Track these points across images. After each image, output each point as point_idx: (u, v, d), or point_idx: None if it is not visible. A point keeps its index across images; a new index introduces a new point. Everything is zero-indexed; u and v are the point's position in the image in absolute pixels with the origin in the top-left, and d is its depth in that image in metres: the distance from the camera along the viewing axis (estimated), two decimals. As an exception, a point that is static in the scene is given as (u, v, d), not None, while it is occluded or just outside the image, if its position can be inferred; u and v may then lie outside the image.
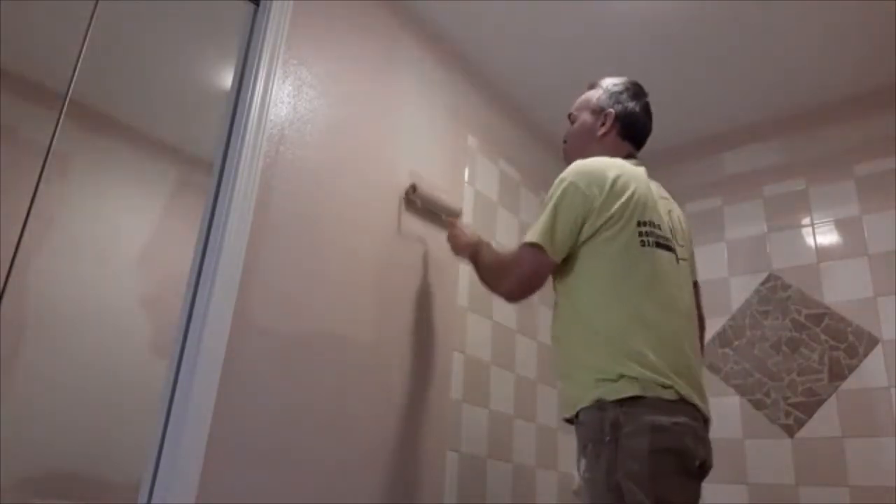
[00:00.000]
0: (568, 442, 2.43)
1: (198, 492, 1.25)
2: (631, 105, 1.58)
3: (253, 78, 1.58)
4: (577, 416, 1.29)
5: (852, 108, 2.40)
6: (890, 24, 2.04)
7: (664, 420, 1.18)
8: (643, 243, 1.34)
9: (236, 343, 1.39)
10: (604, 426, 1.18)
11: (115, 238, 2.51)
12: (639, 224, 1.35)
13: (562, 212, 1.36)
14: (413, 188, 1.91)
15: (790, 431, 2.18)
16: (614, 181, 1.37)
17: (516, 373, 2.26)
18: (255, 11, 1.67)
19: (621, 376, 1.21)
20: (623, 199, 1.35)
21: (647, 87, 1.63)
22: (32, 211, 1.56)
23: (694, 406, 1.25)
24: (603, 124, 1.56)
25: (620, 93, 1.59)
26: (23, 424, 2.09)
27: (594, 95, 1.62)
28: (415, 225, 1.96)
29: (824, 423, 2.13)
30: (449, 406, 1.94)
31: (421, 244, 1.96)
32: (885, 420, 2.03)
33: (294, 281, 1.57)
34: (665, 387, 1.21)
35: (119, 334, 2.43)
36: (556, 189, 1.40)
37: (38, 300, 2.24)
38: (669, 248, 1.38)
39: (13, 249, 1.53)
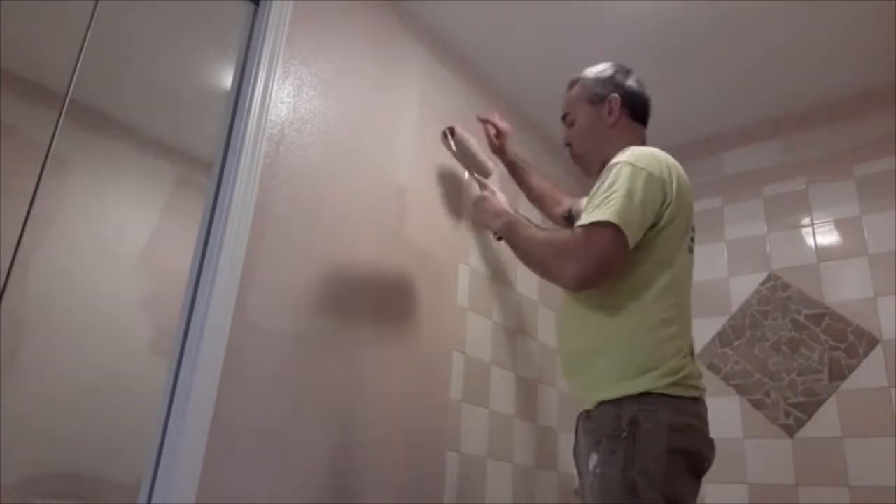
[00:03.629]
0: (568, 442, 2.43)
1: (198, 492, 1.25)
2: (629, 83, 1.50)
3: (253, 78, 1.58)
4: (587, 410, 1.27)
5: (852, 108, 2.40)
6: (890, 24, 2.04)
7: (680, 421, 1.17)
8: (690, 249, 1.35)
9: (236, 343, 1.39)
10: (621, 422, 1.17)
11: (114, 238, 2.51)
12: (690, 228, 1.35)
13: (641, 197, 1.23)
14: (451, 130, 1.74)
15: (790, 431, 2.18)
16: (679, 176, 1.32)
17: (516, 373, 2.26)
18: (255, 11, 1.67)
19: (650, 371, 1.20)
20: (685, 196, 1.32)
21: (647, 87, 1.59)
22: (32, 211, 1.56)
23: (705, 406, 1.26)
24: (610, 112, 1.46)
25: (612, 75, 1.50)
26: (23, 424, 2.09)
27: (584, 88, 1.52)
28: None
29: (824, 423, 2.13)
30: (449, 406, 1.94)
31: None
32: (885, 420, 2.03)
33: (294, 280, 1.57)
34: (687, 385, 1.22)
35: (119, 334, 2.43)
36: (622, 173, 1.25)
37: (37, 300, 2.24)
38: (692, 252, 1.39)
39: (13, 249, 1.53)
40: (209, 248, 1.43)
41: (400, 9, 2.10)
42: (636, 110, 1.49)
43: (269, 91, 1.59)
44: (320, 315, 1.61)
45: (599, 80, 1.51)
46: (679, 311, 1.29)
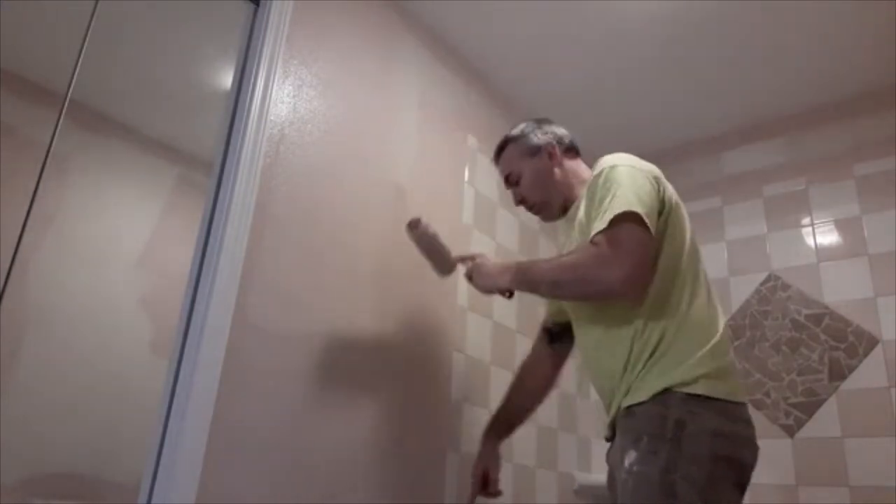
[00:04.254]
0: (568, 442, 2.43)
1: (198, 492, 1.25)
2: (554, 128, 1.57)
3: (253, 78, 1.58)
4: (627, 406, 1.24)
5: (852, 108, 2.40)
6: (890, 24, 2.04)
7: (727, 427, 1.17)
8: (692, 237, 1.36)
9: (236, 343, 1.39)
10: (666, 423, 1.15)
11: (114, 237, 2.51)
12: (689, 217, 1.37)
13: (641, 187, 1.24)
14: (418, 221, 1.62)
15: (790, 431, 2.18)
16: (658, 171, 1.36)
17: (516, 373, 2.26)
18: (255, 11, 1.67)
19: (698, 374, 1.19)
20: (672, 189, 1.35)
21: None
22: (32, 211, 1.56)
23: (747, 406, 1.25)
24: (551, 157, 1.52)
25: (538, 127, 1.57)
26: (23, 424, 2.09)
27: (517, 148, 1.56)
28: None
29: (824, 423, 2.13)
30: (449, 406, 1.94)
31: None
32: (885, 420, 2.03)
33: (294, 281, 1.57)
34: (731, 386, 1.21)
35: (119, 334, 2.43)
36: (614, 174, 1.26)
37: (37, 300, 2.24)
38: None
39: (13, 249, 1.53)
40: (209, 248, 1.43)
41: (400, 9, 2.10)
42: (570, 148, 1.56)
43: (269, 91, 1.59)
44: (320, 315, 1.61)
45: (529, 135, 1.57)
46: (704, 298, 1.29)
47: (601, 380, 1.36)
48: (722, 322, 1.30)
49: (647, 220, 1.19)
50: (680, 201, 1.37)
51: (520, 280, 1.40)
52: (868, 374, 2.10)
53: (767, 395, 2.26)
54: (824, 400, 2.15)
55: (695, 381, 1.17)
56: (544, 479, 2.26)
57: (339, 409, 1.60)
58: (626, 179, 1.25)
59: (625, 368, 1.26)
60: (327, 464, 1.54)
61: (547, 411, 2.36)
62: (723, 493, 1.14)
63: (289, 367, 1.51)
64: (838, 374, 2.15)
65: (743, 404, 1.23)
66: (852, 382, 2.12)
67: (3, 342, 2.10)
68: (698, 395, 1.17)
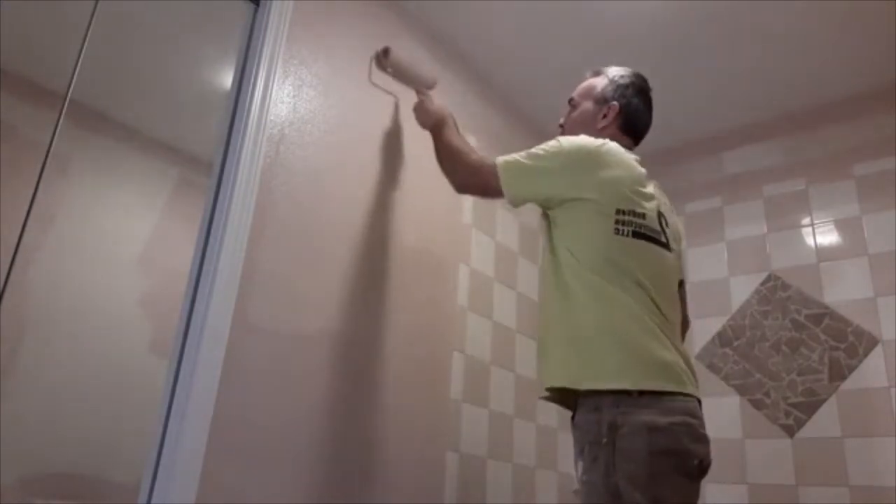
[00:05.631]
0: (568, 442, 2.42)
1: (198, 492, 1.26)
2: (635, 101, 1.54)
3: (253, 78, 1.58)
4: (573, 417, 1.28)
5: (852, 108, 2.40)
6: (890, 25, 2.04)
7: (661, 420, 1.17)
8: (617, 231, 1.30)
9: (236, 343, 1.39)
10: (600, 428, 1.17)
11: (115, 237, 2.51)
12: (617, 212, 1.31)
13: (541, 172, 1.39)
14: (385, 52, 1.83)
15: (790, 431, 2.18)
16: (607, 161, 1.36)
17: (516, 373, 2.26)
18: (255, 11, 1.67)
19: (618, 371, 1.20)
20: (606, 182, 1.33)
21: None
22: (32, 211, 1.56)
23: (693, 398, 1.24)
24: (605, 116, 1.52)
25: (626, 86, 1.54)
26: (23, 424, 2.09)
27: (599, 84, 1.57)
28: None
29: (824, 423, 2.13)
30: (449, 406, 1.94)
31: (392, 97, 1.97)
32: (885, 420, 2.03)
33: (294, 281, 1.57)
34: (663, 382, 1.20)
35: (119, 334, 2.43)
36: (550, 149, 1.40)
37: (37, 300, 2.24)
38: (652, 239, 1.35)
39: (13, 249, 1.53)
40: (209, 248, 1.43)
41: (400, 9, 2.10)
42: (629, 125, 1.54)
43: (269, 91, 1.59)
44: (320, 315, 1.61)
45: (612, 84, 1.56)
46: (647, 303, 1.27)
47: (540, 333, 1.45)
48: (653, 322, 1.27)
49: (505, 189, 1.42)
50: (623, 181, 1.35)
51: (433, 131, 1.71)
52: (868, 374, 2.10)
53: (767, 395, 2.26)
54: (824, 400, 2.15)
55: (621, 383, 1.19)
56: (544, 479, 2.26)
57: (339, 409, 1.60)
58: (546, 151, 1.41)
59: (547, 340, 1.33)
60: (327, 463, 1.54)
61: (547, 411, 2.36)
62: (667, 486, 1.14)
63: (289, 366, 1.51)
64: (838, 374, 2.15)
65: (681, 395, 1.21)
66: (852, 382, 2.12)
67: (3, 342, 2.10)
68: (629, 393, 1.18)
